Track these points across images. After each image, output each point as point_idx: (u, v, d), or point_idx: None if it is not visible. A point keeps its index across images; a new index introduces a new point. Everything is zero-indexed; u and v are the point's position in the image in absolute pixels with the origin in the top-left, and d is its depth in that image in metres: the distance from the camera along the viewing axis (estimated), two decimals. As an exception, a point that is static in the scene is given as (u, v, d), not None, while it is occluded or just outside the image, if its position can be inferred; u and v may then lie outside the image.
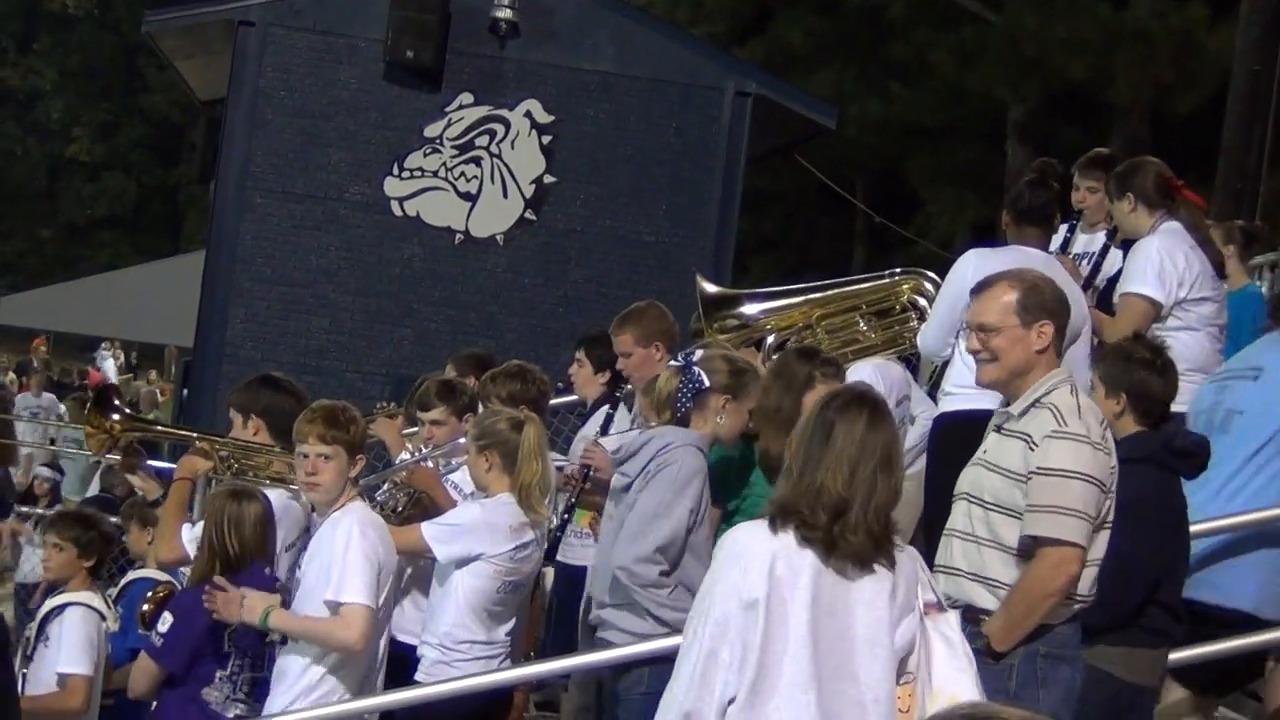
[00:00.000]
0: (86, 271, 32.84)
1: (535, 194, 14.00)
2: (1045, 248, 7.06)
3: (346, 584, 5.63)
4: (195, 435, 7.00)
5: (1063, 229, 7.99)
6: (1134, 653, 5.48)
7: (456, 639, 6.04)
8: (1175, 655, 5.85)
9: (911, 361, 7.57)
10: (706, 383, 5.79)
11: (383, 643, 5.97)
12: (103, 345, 32.49)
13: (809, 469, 4.23)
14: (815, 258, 26.21)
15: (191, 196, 44.04)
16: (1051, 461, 4.82)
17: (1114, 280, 7.63)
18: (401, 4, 13.53)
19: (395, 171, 13.92)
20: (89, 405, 7.34)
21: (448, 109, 13.93)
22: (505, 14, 13.75)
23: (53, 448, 18.90)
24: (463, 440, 6.52)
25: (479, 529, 6.04)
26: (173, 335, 21.93)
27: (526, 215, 14.01)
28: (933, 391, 7.41)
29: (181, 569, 6.88)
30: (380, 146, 13.96)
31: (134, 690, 6.12)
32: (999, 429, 5.07)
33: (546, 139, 13.99)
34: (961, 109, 22.71)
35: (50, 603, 7.18)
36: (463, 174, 13.93)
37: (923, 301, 7.34)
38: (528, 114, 13.97)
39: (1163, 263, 7.06)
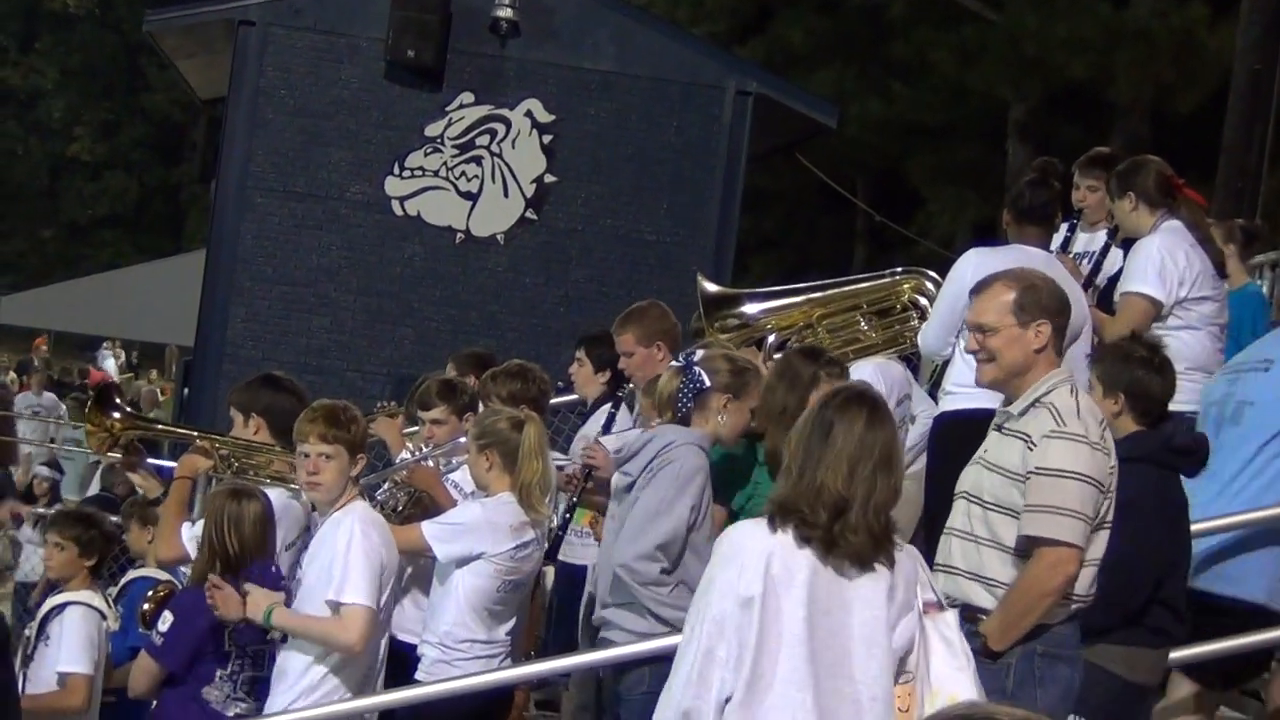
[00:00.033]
0: (87, 271, 32.82)
1: (536, 193, 13.99)
2: (1046, 247, 7.07)
3: (348, 584, 5.63)
4: (196, 434, 7.00)
5: (1063, 228, 7.99)
6: (1135, 652, 5.48)
7: (457, 638, 6.04)
8: (1183, 653, 5.86)
9: (912, 361, 7.57)
10: (707, 382, 5.80)
11: (384, 642, 5.97)
12: (104, 344, 32.51)
13: (809, 468, 4.23)
14: (816, 257, 26.20)
15: (192, 196, 44.04)
16: (1050, 461, 4.82)
17: (1115, 279, 7.64)
18: (402, 3, 13.52)
19: (396, 171, 13.92)
20: (90, 403, 7.34)
21: (448, 108, 13.93)
22: (506, 13, 13.74)
23: (53, 445, 18.92)
24: (463, 439, 6.52)
25: (479, 528, 6.04)
26: (173, 334, 21.94)
27: (527, 214, 14.00)
28: (933, 390, 7.41)
29: (181, 568, 6.87)
30: (381, 146, 13.96)
31: (134, 689, 6.13)
32: (999, 428, 5.07)
33: (547, 138, 13.98)
34: (962, 108, 22.71)
35: (51, 601, 7.18)
36: (463, 173, 13.93)
37: (923, 301, 7.34)
38: (528, 113, 13.97)
39: (1163, 261, 7.06)
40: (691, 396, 5.78)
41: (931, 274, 7.49)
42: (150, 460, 8.02)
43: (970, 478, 5.08)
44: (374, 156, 13.94)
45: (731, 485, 6.11)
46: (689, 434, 5.72)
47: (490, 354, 8.44)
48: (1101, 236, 8.08)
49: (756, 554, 4.19)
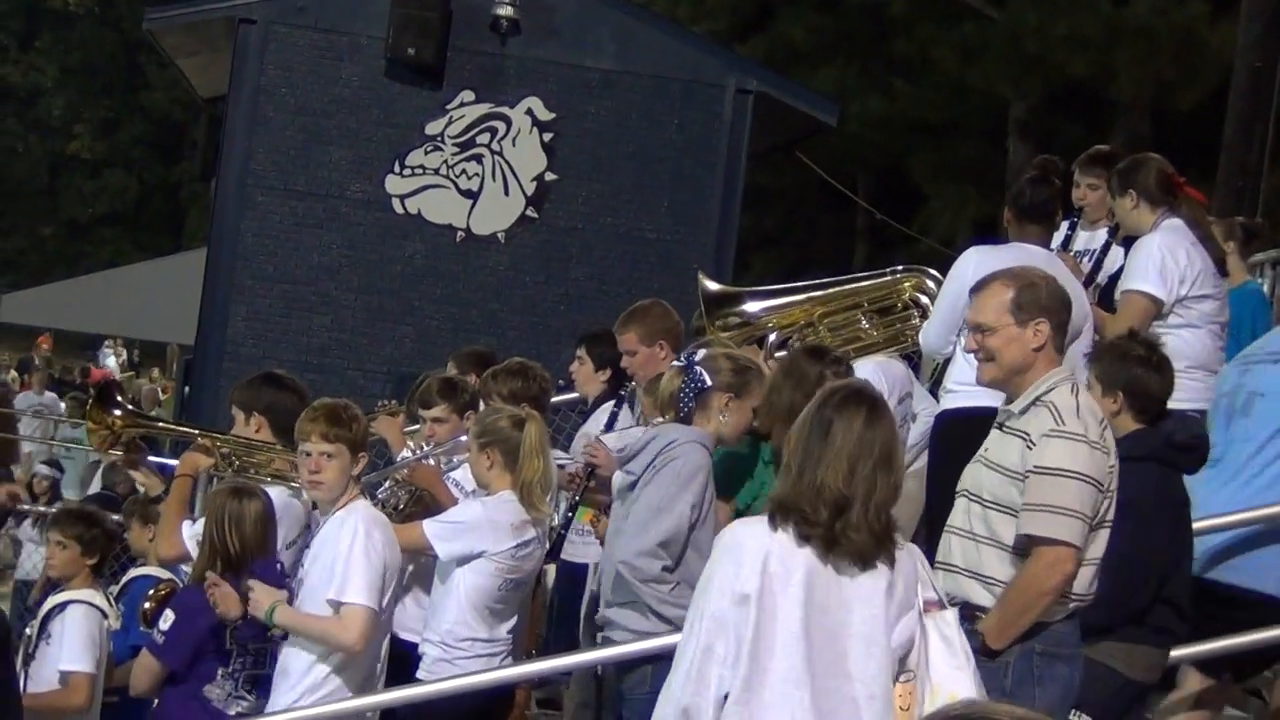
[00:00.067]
0: (88, 269, 32.81)
1: (536, 191, 14.00)
2: (1047, 245, 7.07)
3: (349, 584, 5.63)
4: (197, 432, 6.99)
5: (1064, 226, 7.99)
6: (1138, 650, 5.49)
7: (458, 637, 6.04)
8: (1193, 650, 5.86)
9: (913, 359, 7.57)
10: (709, 382, 5.79)
11: (385, 642, 5.97)
12: (105, 343, 32.51)
13: (808, 466, 4.23)
14: (817, 255, 26.20)
15: (193, 194, 44.02)
16: (1048, 460, 4.82)
17: (1115, 278, 7.63)
18: (403, 1, 13.53)
19: (396, 169, 13.92)
20: (91, 401, 7.34)
21: (449, 106, 13.93)
22: (506, 11, 13.75)
23: (54, 443, 18.93)
24: (464, 438, 6.52)
25: (480, 526, 6.04)
26: (174, 333, 21.92)
27: (528, 213, 14.01)
28: (934, 389, 7.41)
29: (183, 566, 6.87)
30: (381, 144, 13.96)
31: (136, 688, 6.13)
32: (1001, 427, 5.07)
33: (548, 136, 13.98)
34: (963, 106, 22.71)
35: (52, 600, 7.18)
36: (464, 171, 13.93)
37: (924, 299, 7.33)
38: (529, 111, 13.97)
39: (1164, 260, 7.06)
40: (693, 396, 5.77)
41: (932, 272, 7.49)
42: (151, 458, 8.01)
43: (971, 476, 5.08)
44: (374, 155, 13.95)
45: (734, 482, 6.11)
46: (691, 432, 5.72)
47: (491, 352, 8.44)
48: (1102, 235, 8.08)
49: (754, 551, 4.19)
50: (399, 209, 13.93)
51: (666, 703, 4.25)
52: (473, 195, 13.94)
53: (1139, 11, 19.44)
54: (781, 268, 25.26)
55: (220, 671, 5.95)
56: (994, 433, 5.10)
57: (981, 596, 4.92)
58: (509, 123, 13.96)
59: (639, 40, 14.21)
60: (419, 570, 6.51)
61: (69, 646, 6.92)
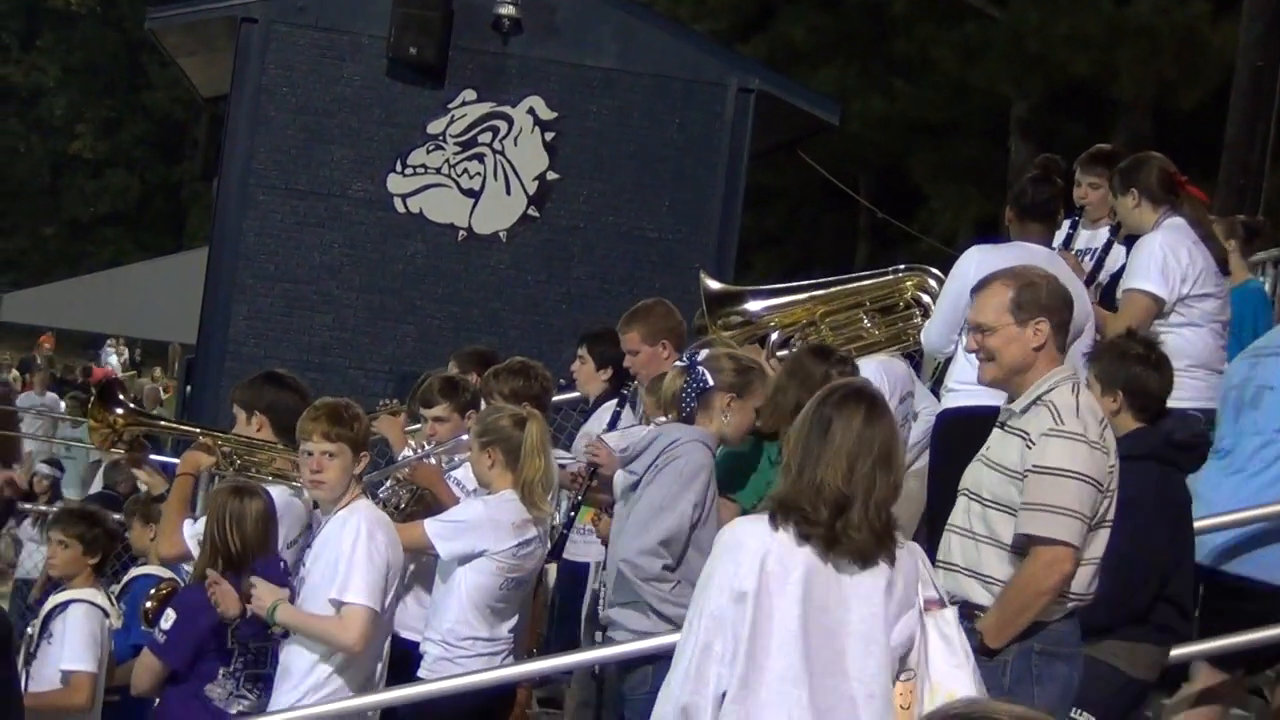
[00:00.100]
0: (89, 268, 32.82)
1: (538, 190, 14.00)
2: (1049, 244, 7.07)
3: (351, 584, 5.63)
4: (198, 430, 6.99)
5: (1065, 225, 7.98)
6: (1139, 648, 5.49)
7: (459, 636, 6.04)
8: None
9: (914, 358, 7.56)
10: (711, 382, 5.79)
11: (387, 642, 5.97)
12: (107, 342, 32.52)
13: (808, 465, 4.23)
14: (818, 254, 26.21)
15: (194, 193, 44.04)
16: (1047, 460, 4.82)
17: (1117, 276, 7.63)
18: (404, 0, 13.53)
19: (398, 168, 13.92)
20: (93, 399, 7.33)
21: (450, 105, 13.93)
22: (508, 10, 13.75)
23: (55, 439, 18.93)
24: (465, 437, 6.52)
25: (482, 526, 6.04)
26: (176, 332, 21.93)
27: (529, 212, 14.01)
28: (936, 388, 7.41)
29: (184, 565, 6.87)
30: (383, 143, 13.97)
31: (137, 687, 6.13)
32: (1002, 426, 5.07)
33: (549, 135, 13.99)
34: (964, 105, 22.71)
35: (53, 600, 7.19)
36: (466, 170, 13.93)
37: (926, 298, 7.33)
38: (531, 110, 13.98)
39: (1166, 258, 7.05)
40: (695, 395, 5.77)
41: (934, 271, 7.48)
42: (154, 457, 8.01)
43: (971, 475, 5.08)
44: (376, 154, 13.95)
45: (738, 481, 6.10)
46: (694, 431, 5.72)
47: (492, 351, 8.44)
48: (1104, 234, 8.07)
49: (753, 550, 4.19)
50: (401, 208, 13.94)
51: (666, 701, 4.25)
52: (474, 194, 13.94)
53: (1141, 11, 19.43)
54: (783, 267, 25.28)
55: (221, 671, 5.95)
56: (995, 432, 5.10)
57: (980, 595, 4.92)
58: (511, 122, 13.96)
59: (640, 39, 14.21)
60: (420, 569, 6.51)
61: (70, 646, 6.92)
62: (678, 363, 6.17)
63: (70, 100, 48.38)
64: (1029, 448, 4.88)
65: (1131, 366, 5.62)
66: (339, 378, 13.27)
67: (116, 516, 8.55)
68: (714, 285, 7.66)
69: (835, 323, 7.36)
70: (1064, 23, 19.49)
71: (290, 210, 13.96)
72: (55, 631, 6.99)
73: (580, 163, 14.06)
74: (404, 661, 6.18)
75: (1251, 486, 6.12)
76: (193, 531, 6.34)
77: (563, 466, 6.77)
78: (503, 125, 13.95)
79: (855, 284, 7.60)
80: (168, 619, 5.96)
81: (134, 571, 8.30)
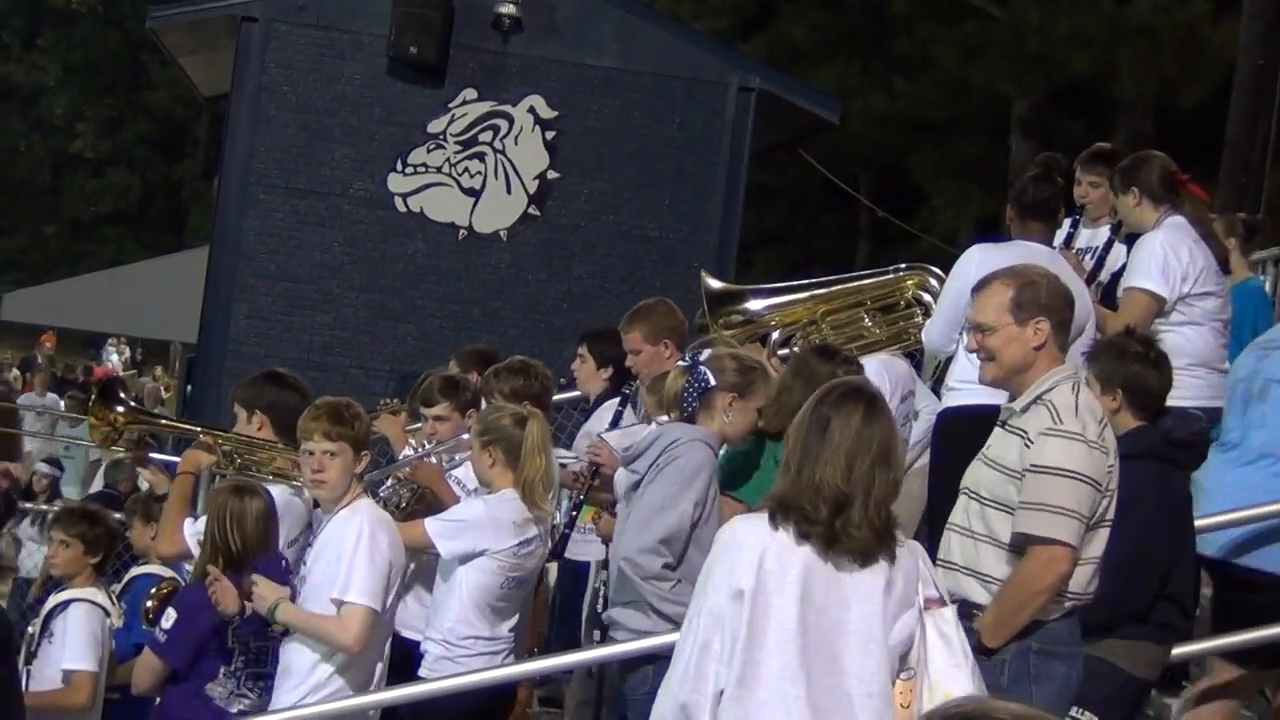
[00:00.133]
0: (90, 267, 32.83)
1: (539, 189, 14.01)
2: (1050, 243, 7.06)
3: (352, 584, 5.63)
4: (199, 429, 6.99)
5: (1066, 223, 7.98)
6: (1140, 646, 5.48)
7: (460, 635, 6.04)
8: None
9: (915, 357, 7.56)
10: (712, 381, 5.78)
11: (388, 641, 5.97)
12: (108, 341, 32.52)
13: (806, 464, 4.23)
14: (819, 253, 26.22)
15: (195, 192, 44.08)
16: (1045, 459, 4.81)
17: (1118, 275, 7.62)
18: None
19: (399, 167, 13.93)
20: (94, 397, 7.33)
21: (451, 105, 13.94)
22: (508, 9, 13.76)
23: (55, 436, 18.93)
24: (466, 436, 6.52)
25: (482, 525, 6.04)
26: (177, 331, 21.94)
27: (530, 211, 14.02)
28: (936, 386, 7.41)
29: (185, 564, 6.87)
30: (384, 142, 13.97)
31: (138, 686, 6.13)
32: (1003, 425, 5.07)
33: (550, 134, 13.99)
34: (965, 104, 22.71)
35: (54, 599, 7.19)
36: (466, 169, 13.94)
37: (927, 297, 7.32)
38: (531, 109, 13.98)
39: (1166, 257, 7.05)
40: (697, 395, 5.76)
41: (935, 270, 7.48)
42: (154, 454, 8.01)
43: (972, 474, 5.08)
44: (377, 153, 13.96)
45: (743, 481, 6.10)
46: (696, 431, 5.71)
47: (493, 350, 8.44)
48: (1104, 232, 8.06)
49: (751, 548, 4.19)
50: (401, 207, 13.94)
51: (665, 698, 4.25)
52: (475, 193, 13.95)
53: (1141, 9, 19.44)
54: (784, 266, 25.29)
55: (222, 670, 5.95)
56: (997, 431, 5.09)
57: (979, 594, 4.92)
58: (511, 121, 13.97)
59: (641, 38, 14.22)
60: (421, 568, 6.51)
61: (71, 645, 6.92)
62: (680, 362, 6.16)
63: (71, 99, 48.42)
64: (1027, 447, 4.88)
65: (1130, 365, 5.62)
66: (340, 377, 13.27)
67: (117, 516, 8.55)
68: (715, 284, 7.66)
69: (836, 322, 7.36)
70: (1065, 21, 19.50)
71: (291, 209, 13.96)
72: (56, 631, 6.99)
73: (581, 162, 14.07)
74: (405, 660, 6.18)
75: (1258, 479, 6.10)
76: (193, 530, 6.34)
77: (563, 465, 6.76)
78: (503, 124, 13.95)
79: (856, 283, 7.60)
80: (168, 618, 5.96)
81: (135, 571, 8.31)
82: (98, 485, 15.35)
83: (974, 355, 5.25)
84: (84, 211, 47.95)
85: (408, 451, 7.02)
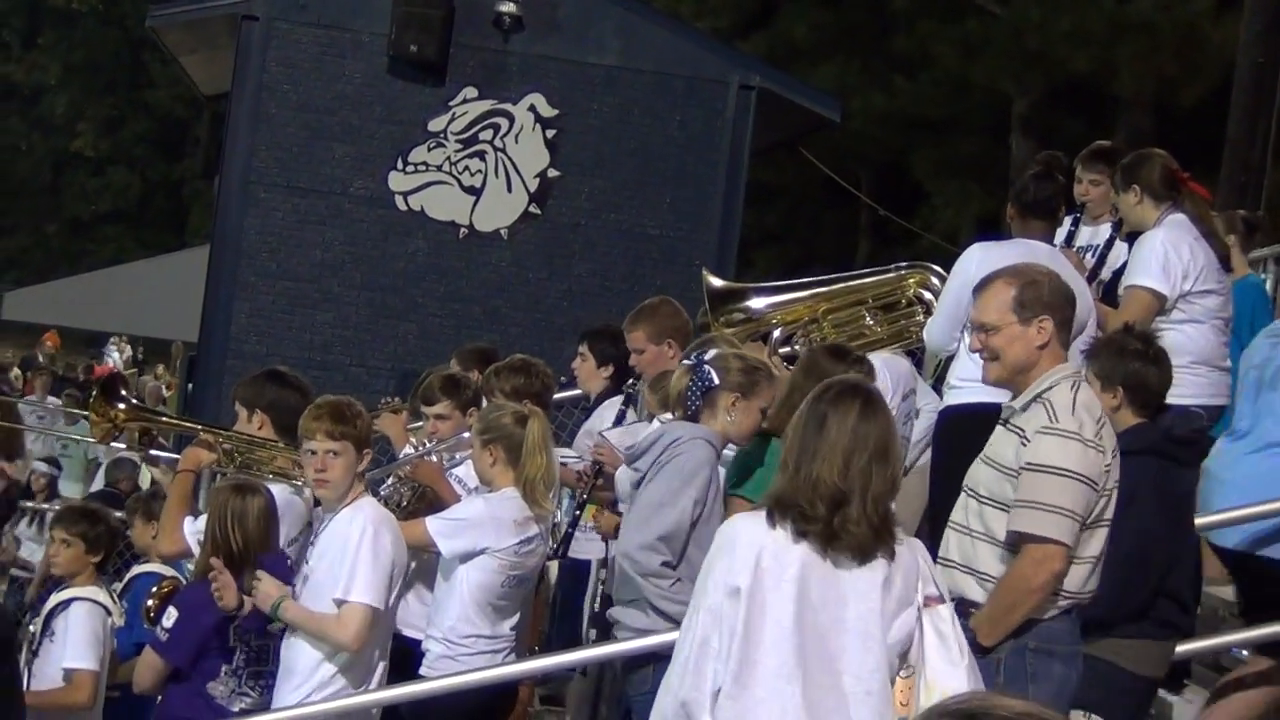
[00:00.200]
0: (91, 266, 32.85)
1: (539, 188, 14.00)
2: (1050, 240, 7.06)
3: (354, 583, 5.63)
4: (200, 427, 6.99)
5: (1066, 222, 7.98)
6: (1142, 645, 5.48)
7: (461, 633, 6.04)
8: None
9: (916, 355, 7.56)
10: (716, 381, 5.78)
11: (389, 640, 5.97)
12: (109, 340, 32.50)
13: (804, 462, 4.23)
14: (820, 251, 26.22)
15: (196, 191, 44.08)
16: (1040, 457, 4.81)
17: (1119, 273, 7.62)
18: (405, -2, 13.55)
19: (399, 166, 13.92)
20: (95, 393, 7.33)
21: (451, 103, 13.93)
22: (509, 8, 13.75)
23: (53, 431, 18.92)
24: (467, 435, 6.52)
25: (483, 523, 6.04)
26: (178, 330, 21.94)
27: (530, 209, 14.01)
28: (937, 385, 7.41)
29: (186, 564, 6.87)
30: (384, 141, 13.97)
31: (139, 685, 6.13)
32: (1005, 423, 5.07)
33: (550, 133, 13.99)
34: (965, 102, 22.72)
35: (56, 598, 7.19)
36: (467, 168, 13.93)
37: (928, 295, 7.32)
38: (532, 108, 13.97)
39: (1167, 255, 7.05)
40: (700, 394, 5.76)
41: (936, 268, 7.48)
42: (155, 451, 8.01)
43: (973, 472, 5.08)
44: (377, 151, 13.96)
45: (750, 479, 6.09)
46: (698, 429, 5.71)
47: (493, 349, 8.44)
48: (1105, 230, 8.07)
49: (749, 546, 4.20)
50: (402, 206, 13.94)
51: (666, 696, 4.26)
52: (475, 192, 13.94)
53: (1141, 7, 19.44)
54: (784, 264, 25.30)
55: (224, 668, 5.95)
56: (998, 429, 5.09)
57: (976, 592, 4.91)
58: (512, 119, 13.96)
59: (641, 37, 14.21)
60: (422, 567, 6.51)
61: (73, 644, 6.93)
62: (684, 361, 6.16)
63: (71, 98, 48.42)
64: (1024, 445, 4.88)
65: (1130, 362, 5.62)
66: (340, 375, 13.28)
67: (118, 514, 8.55)
68: (717, 282, 7.66)
69: (837, 320, 7.36)
70: (1065, 19, 19.51)
71: (291, 208, 13.96)
72: (57, 630, 6.99)
73: (581, 160, 14.06)
74: (406, 659, 6.18)
75: (1268, 466, 6.08)
76: (194, 529, 6.34)
77: (564, 464, 6.76)
78: (504, 122, 13.94)
79: (857, 281, 7.60)
80: (170, 617, 5.96)
81: (136, 569, 8.31)
82: (98, 484, 15.35)
83: (977, 354, 5.25)
84: (85, 210, 47.96)
85: (409, 450, 7.02)
